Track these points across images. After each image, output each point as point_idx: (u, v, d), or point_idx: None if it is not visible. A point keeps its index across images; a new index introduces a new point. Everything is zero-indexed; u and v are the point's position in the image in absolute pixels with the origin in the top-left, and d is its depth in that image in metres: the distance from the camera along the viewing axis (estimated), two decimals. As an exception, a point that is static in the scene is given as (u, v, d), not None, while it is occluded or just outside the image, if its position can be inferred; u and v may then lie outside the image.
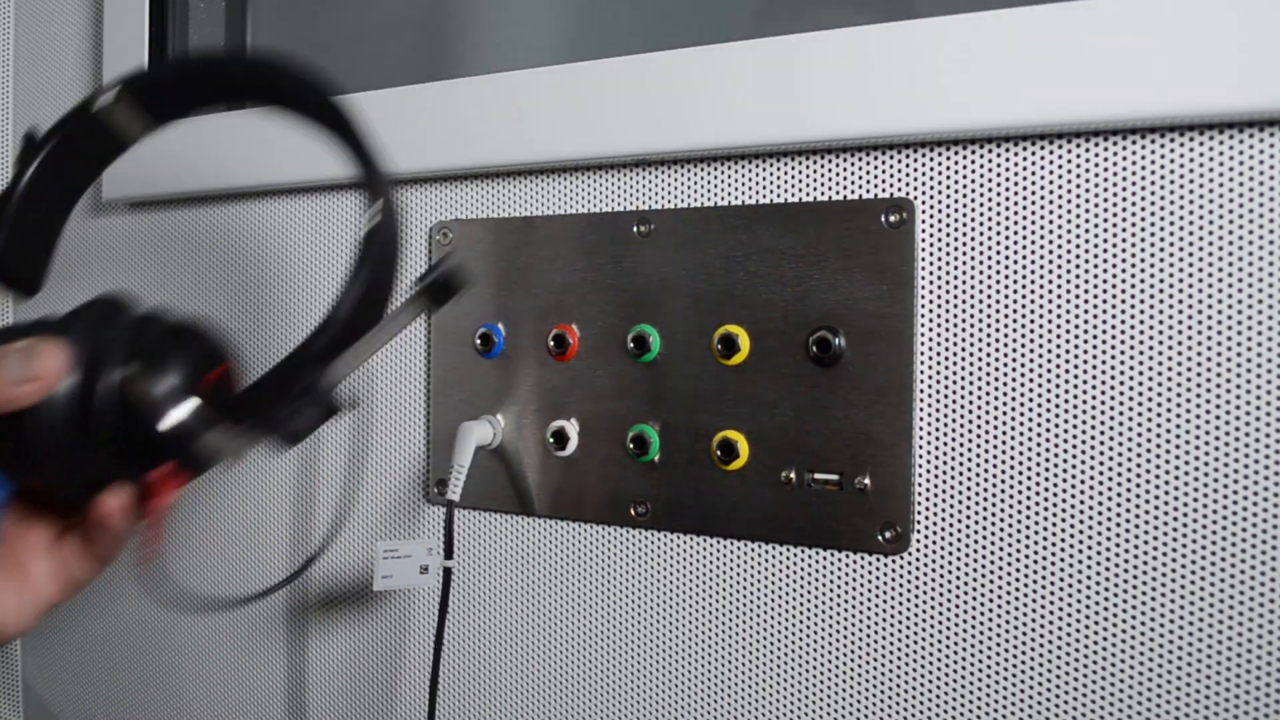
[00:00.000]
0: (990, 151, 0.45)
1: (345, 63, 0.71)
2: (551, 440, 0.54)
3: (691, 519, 0.51)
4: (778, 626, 0.50)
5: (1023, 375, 0.45)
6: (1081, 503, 0.44)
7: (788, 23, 0.55)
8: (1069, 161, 0.44)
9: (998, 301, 0.45)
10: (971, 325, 0.46)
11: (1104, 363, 0.43)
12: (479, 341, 0.56)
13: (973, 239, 0.46)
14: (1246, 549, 0.41)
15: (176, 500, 0.41)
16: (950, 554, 0.46)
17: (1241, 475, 0.41)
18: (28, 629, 0.41)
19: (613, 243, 0.53)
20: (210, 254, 0.68)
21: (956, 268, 0.46)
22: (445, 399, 0.58)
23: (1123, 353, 0.43)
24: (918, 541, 0.47)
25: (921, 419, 0.47)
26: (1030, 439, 0.45)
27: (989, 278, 0.46)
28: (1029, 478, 0.45)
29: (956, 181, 0.46)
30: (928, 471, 0.47)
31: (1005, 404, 0.45)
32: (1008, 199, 0.45)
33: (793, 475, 0.49)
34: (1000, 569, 0.45)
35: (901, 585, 0.47)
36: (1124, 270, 0.43)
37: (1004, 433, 0.45)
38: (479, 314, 0.57)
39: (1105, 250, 0.43)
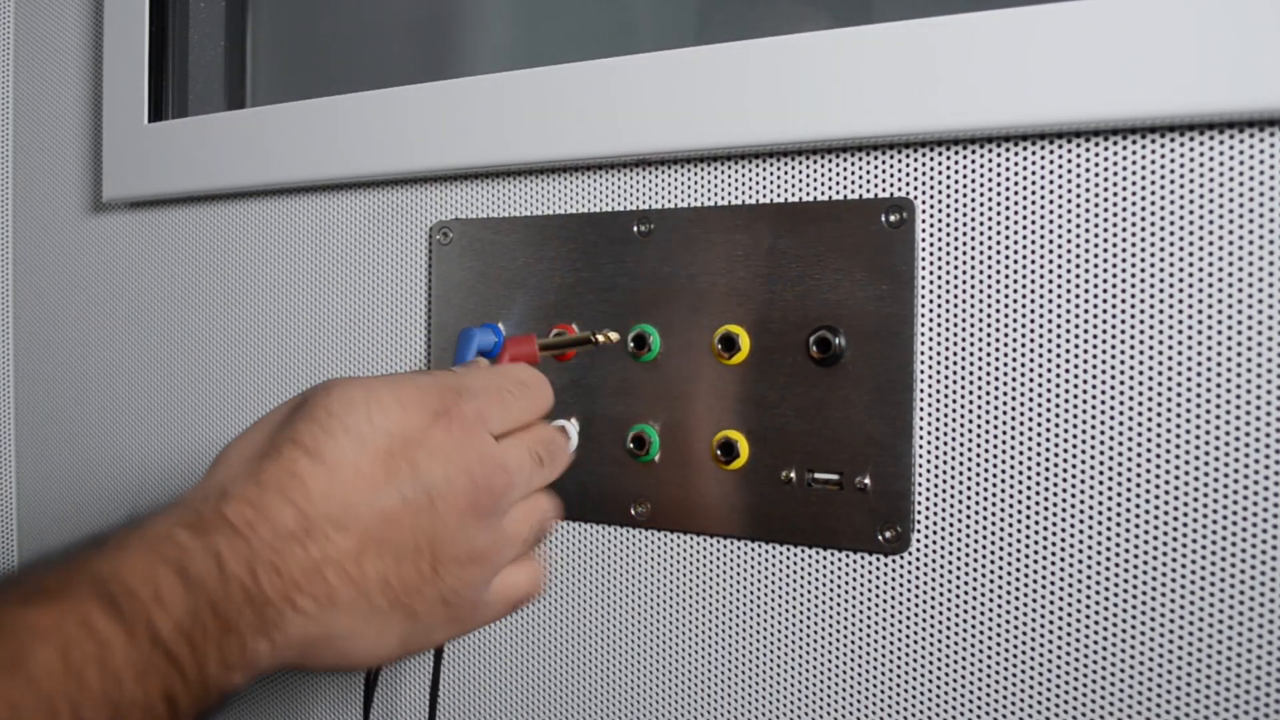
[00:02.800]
0: (990, 151, 0.45)
1: (345, 63, 0.71)
2: (551, 440, 0.54)
3: (691, 519, 0.51)
4: (778, 626, 0.50)
5: (1023, 375, 0.45)
6: (1082, 502, 0.44)
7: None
8: (1069, 161, 0.44)
9: (998, 301, 0.45)
10: (972, 325, 0.46)
11: (1104, 362, 0.43)
12: (479, 341, 0.56)
13: (973, 239, 0.46)
14: (1248, 548, 0.41)
15: None
16: (950, 554, 0.46)
17: (1242, 474, 0.41)
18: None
19: (613, 243, 0.53)
20: (210, 254, 0.68)
21: (956, 267, 0.46)
22: (445, 399, 0.58)
23: (1123, 352, 0.43)
24: (918, 541, 0.47)
25: (921, 419, 0.47)
26: (1031, 438, 0.45)
27: (989, 277, 0.46)
28: (1029, 477, 0.45)
29: (956, 181, 0.46)
30: (928, 471, 0.47)
31: (1006, 404, 0.45)
32: (1008, 199, 0.45)
33: (793, 475, 0.49)
34: (1000, 569, 0.45)
35: (901, 585, 0.47)
36: (1124, 270, 0.43)
37: (1004, 432, 0.45)
38: (479, 314, 0.57)
39: (1105, 250, 0.43)
